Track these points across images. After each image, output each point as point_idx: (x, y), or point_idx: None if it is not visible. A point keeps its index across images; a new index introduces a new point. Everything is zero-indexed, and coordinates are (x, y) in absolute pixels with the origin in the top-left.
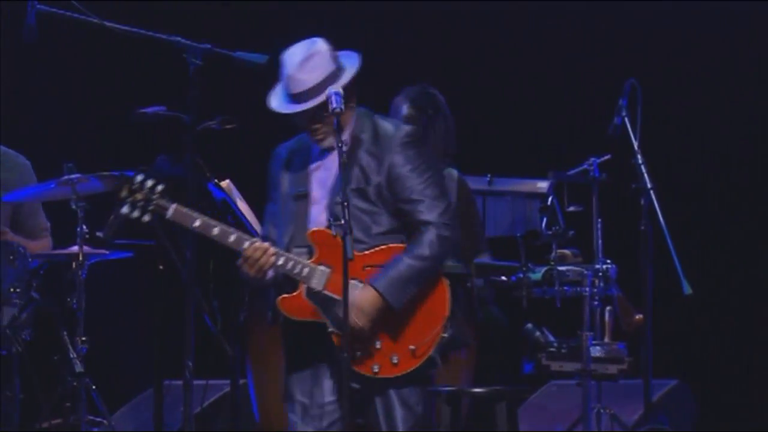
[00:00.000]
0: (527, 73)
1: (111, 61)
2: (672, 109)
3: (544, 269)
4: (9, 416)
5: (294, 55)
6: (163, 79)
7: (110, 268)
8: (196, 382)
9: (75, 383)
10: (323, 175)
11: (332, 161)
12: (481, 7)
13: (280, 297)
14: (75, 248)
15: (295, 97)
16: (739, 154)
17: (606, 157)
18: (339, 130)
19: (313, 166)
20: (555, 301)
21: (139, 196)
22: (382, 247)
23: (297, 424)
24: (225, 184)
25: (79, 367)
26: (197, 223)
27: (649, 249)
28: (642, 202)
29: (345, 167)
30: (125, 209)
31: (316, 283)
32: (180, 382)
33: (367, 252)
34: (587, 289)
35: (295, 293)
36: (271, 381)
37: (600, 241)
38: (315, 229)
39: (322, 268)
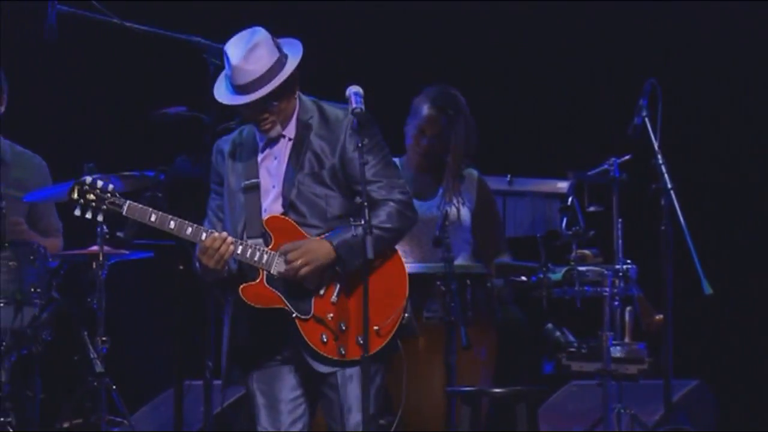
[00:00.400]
0: (548, 73)
1: (131, 61)
2: (692, 109)
3: (564, 269)
4: (29, 416)
5: (237, 47)
6: (183, 79)
7: (130, 268)
8: (216, 382)
9: (95, 383)
10: (273, 164)
11: (280, 150)
12: (502, 7)
13: (242, 285)
14: (95, 248)
15: (242, 88)
16: (760, 154)
17: (626, 158)
18: (360, 129)
19: (261, 156)
20: (575, 302)
21: (90, 196)
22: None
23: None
24: None
25: (99, 367)
26: (153, 218)
27: (670, 249)
28: (662, 202)
29: (363, 167)
30: (77, 211)
31: (277, 269)
32: (200, 382)
33: (323, 236)
34: (607, 289)
35: (256, 281)
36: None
37: (620, 242)
38: (270, 215)
39: (279, 253)
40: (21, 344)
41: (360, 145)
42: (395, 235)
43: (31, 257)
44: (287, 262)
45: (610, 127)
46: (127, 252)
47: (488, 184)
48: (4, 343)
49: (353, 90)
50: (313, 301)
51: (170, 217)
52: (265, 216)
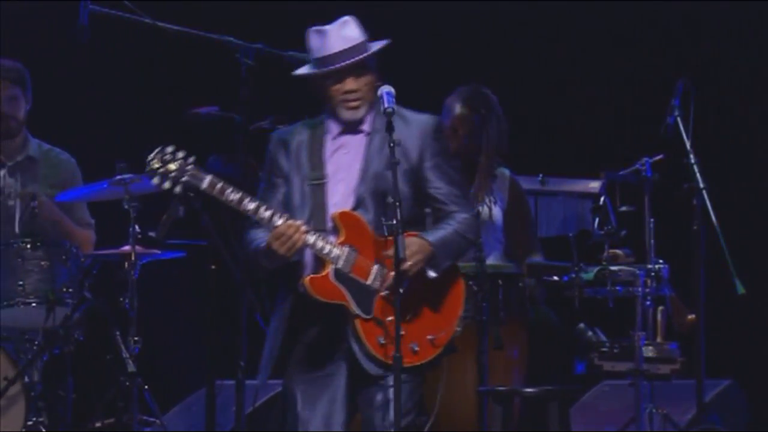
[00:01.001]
0: (580, 72)
1: (163, 61)
2: (725, 108)
3: (596, 269)
4: (62, 416)
5: (325, 27)
6: (216, 79)
7: (163, 267)
8: (248, 382)
9: (127, 383)
10: (344, 158)
11: (355, 144)
12: (534, 7)
13: (309, 276)
14: (127, 248)
15: (334, 57)
16: None
17: (658, 157)
18: (390, 129)
19: (330, 148)
20: (607, 301)
21: (172, 166)
22: (410, 233)
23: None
24: None
25: (131, 367)
26: (233, 197)
27: (702, 249)
28: (694, 201)
29: (395, 166)
30: (156, 180)
31: (344, 265)
32: (232, 382)
33: (389, 239)
34: (639, 289)
35: (322, 274)
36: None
37: (652, 241)
38: (342, 210)
39: (348, 249)
40: (53, 344)
41: (392, 145)
42: (470, 245)
43: (63, 257)
44: (408, 256)
45: (643, 127)
46: (159, 252)
47: (520, 184)
48: (36, 343)
49: (385, 89)
50: (375, 302)
51: (249, 198)
52: (334, 210)
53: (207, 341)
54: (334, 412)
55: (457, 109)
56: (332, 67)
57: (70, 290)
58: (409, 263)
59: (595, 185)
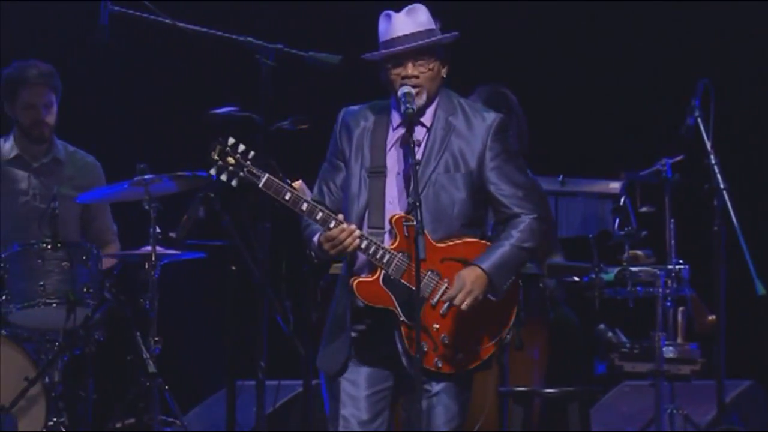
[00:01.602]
0: (600, 73)
1: (183, 61)
2: (745, 109)
3: (616, 270)
4: (82, 416)
5: (396, 11)
6: (236, 79)
7: (183, 268)
8: (268, 382)
9: (148, 383)
10: (402, 152)
11: (414, 137)
12: (554, 6)
13: (357, 280)
14: (148, 249)
15: (395, 41)
16: None
17: (679, 158)
18: (411, 129)
19: (391, 139)
20: (627, 302)
21: (231, 159)
22: (462, 240)
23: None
24: (297, 184)
25: (152, 368)
26: (287, 196)
27: (722, 249)
28: (715, 202)
29: (415, 167)
30: (213, 171)
31: (394, 271)
32: (252, 383)
33: (446, 244)
34: (660, 289)
35: (371, 278)
36: None
37: (673, 242)
38: (399, 215)
39: (401, 255)
40: (74, 345)
41: (411, 146)
42: (534, 254)
43: (84, 257)
44: (449, 298)
45: (663, 128)
46: (179, 252)
47: (540, 185)
48: (57, 344)
49: (405, 90)
50: (423, 309)
51: (304, 198)
52: (391, 210)
53: (227, 342)
54: (377, 414)
55: None
56: (392, 50)
57: (91, 291)
58: (466, 302)
59: (615, 186)
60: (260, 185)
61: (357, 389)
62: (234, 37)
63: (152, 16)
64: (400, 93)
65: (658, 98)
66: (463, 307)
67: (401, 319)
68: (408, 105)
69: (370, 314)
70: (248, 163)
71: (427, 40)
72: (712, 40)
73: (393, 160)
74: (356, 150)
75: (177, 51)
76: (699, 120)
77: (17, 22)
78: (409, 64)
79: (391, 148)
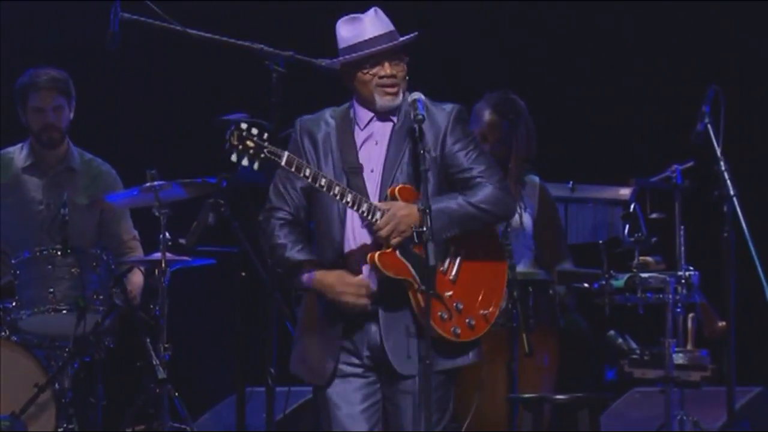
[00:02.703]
0: (609, 79)
1: (193, 67)
2: (755, 115)
3: (626, 276)
4: (92, 422)
5: (359, 15)
6: (245, 85)
7: (193, 275)
8: (278, 388)
9: (158, 390)
10: (374, 149)
11: (383, 133)
12: (563, 12)
13: (378, 252)
14: (158, 255)
15: (372, 42)
16: None
17: (689, 164)
18: (420, 137)
19: (359, 137)
20: (637, 308)
21: (249, 143)
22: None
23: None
24: None
25: (161, 374)
26: (308, 172)
27: (732, 256)
28: (725, 208)
29: (425, 174)
30: (233, 157)
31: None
32: (262, 389)
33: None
34: (670, 296)
35: (388, 249)
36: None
37: (683, 248)
38: (402, 185)
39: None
40: (84, 351)
41: (422, 152)
42: (487, 217)
43: (94, 264)
44: (377, 229)
45: (673, 134)
46: (189, 259)
47: (550, 191)
48: (67, 350)
49: (415, 95)
50: (435, 277)
51: (322, 174)
52: (373, 198)
53: (237, 348)
54: (370, 414)
55: (487, 115)
56: (372, 50)
57: (101, 297)
58: (387, 230)
59: (625, 192)
60: (282, 163)
61: (351, 406)
62: (245, 43)
63: (163, 23)
64: (410, 99)
65: (668, 104)
66: (383, 233)
67: (419, 288)
68: (418, 111)
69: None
70: (265, 143)
71: (403, 39)
72: (723, 46)
73: (366, 158)
74: (324, 153)
75: (187, 57)
76: (709, 126)
77: (28, 30)
78: (386, 64)
79: (361, 146)
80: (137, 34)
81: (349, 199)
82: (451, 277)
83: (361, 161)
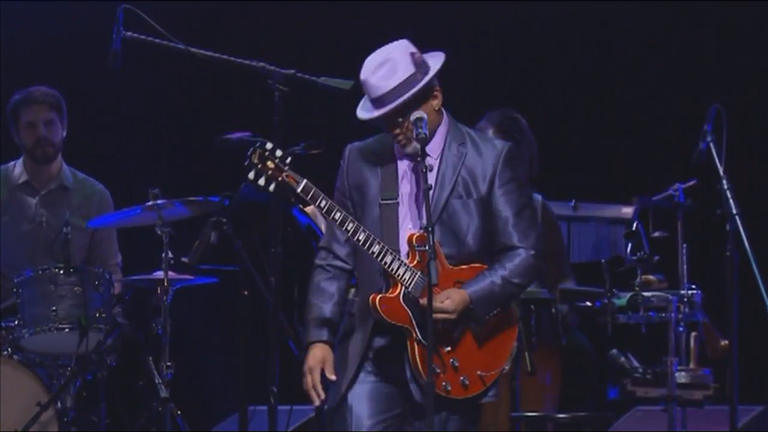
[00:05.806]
0: (612, 97)
1: (195, 86)
2: (758, 133)
3: (628, 295)
4: None
5: (371, 60)
6: (248, 104)
7: (195, 293)
8: (280, 407)
9: (160, 408)
10: (410, 187)
11: (420, 172)
12: (566, 32)
13: (379, 296)
14: (160, 273)
15: (375, 102)
16: None
17: (691, 183)
18: (423, 155)
19: (400, 172)
20: (640, 327)
21: (270, 164)
22: (475, 266)
23: None
24: (310, 209)
25: (164, 392)
26: (323, 204)
27: (735, 275)
28: (728, 227)
29: (427, 192)
30: (252, 174)
31: (414, 289)
32: (265, 408)
33: (459, 267)
34: (672, 314)
35: (392, 294)
36: None
37: (685, 267)
38: (419, 233)
39: (420, 274)
40: (86, 369)
41: (423, 170)
42: (524, 290)
43: (96, 282)
44: (443, 309)
45: (675, 153)
46: (191, 277)
47: (552, 210)
48: (69, 369)
49: (417, 115)
50: (437, 325)
51: (337, 208)
52: (410, 231)
53: (239, 366)
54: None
55: (489, 134)
56: (376, 114)
57: (103, 316)
58: (442, 316)
59: (627, 211)
60: (298, 190)
61: (362, 414)
62: (247, 62)
63: (165, 42)
64: (412, 118)
65: (671, 123)
66: (441, 319)
67: (416, 338)
68: (420, 129)
69: (382, 334)
70: (286, 167)
71: (408, 95)
72: (725, 65)
73: (406, 188)
74: (368, 182)
75: (189, 76)
76: (711, 145)
77: (28, 48)
78: (392, 124)
79: (402, 177)
80: (140, 53)
81: (361, 238)
82: (455, 335)
83: (401, 192)
